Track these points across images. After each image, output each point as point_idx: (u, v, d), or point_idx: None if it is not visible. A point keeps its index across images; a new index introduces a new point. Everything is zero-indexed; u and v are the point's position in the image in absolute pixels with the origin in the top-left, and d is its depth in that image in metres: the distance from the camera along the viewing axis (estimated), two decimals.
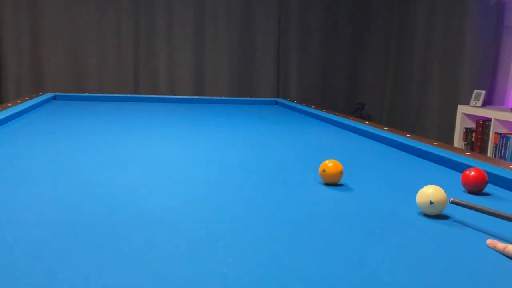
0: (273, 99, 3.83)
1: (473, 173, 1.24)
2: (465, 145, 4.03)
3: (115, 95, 3.68)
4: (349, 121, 2.45)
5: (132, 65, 4.94)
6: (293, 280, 0.73)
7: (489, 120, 3.74)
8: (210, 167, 1.50)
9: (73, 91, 4.74)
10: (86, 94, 3.75)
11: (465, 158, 1.55)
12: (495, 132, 3.68)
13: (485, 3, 3.91)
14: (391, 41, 5.39)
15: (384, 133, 2.06)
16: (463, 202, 1.03)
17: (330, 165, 1.29)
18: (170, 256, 0.80)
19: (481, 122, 3.86)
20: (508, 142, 3.55)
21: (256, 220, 1.00)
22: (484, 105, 3.96)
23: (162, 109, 3.11)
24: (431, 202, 1.03)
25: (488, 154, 3.69)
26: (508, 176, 1.31)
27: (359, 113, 5.32)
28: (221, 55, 5.09)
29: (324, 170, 1.29)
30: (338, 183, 1.32)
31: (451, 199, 1.04)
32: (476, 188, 1.24)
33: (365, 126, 2.27)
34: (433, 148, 1.70)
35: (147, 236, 0.89)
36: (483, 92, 3.96)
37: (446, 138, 4.29)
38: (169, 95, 4.75)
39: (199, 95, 4.78)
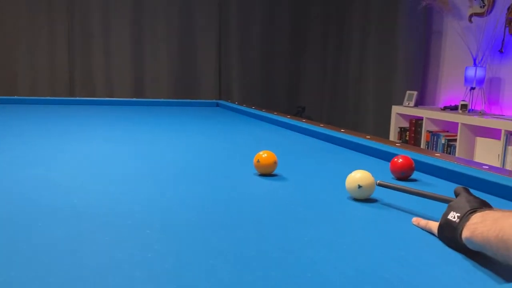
0: (214, 100, 3.81)
1: (400, 160, 1.29)
2: (401, 142, 4.19)
3: (48, 98, 3.53)
4: (288, 119, 2.48)
5: (66, 67, 4.76)
6: (221, 262, 0.72)
7: (421, 119, 3.92)
8: (144, 163, 1.46)
9: (4, 94, 4.50)
10: (17, 97, 3.57)
11: (395, 148, 1.60)
12: (427, 131, 3.86)
13: (414, 8, 4.11)
14: (329, 45, 5.53)
15: (320, 129, 2.10)
16: (388, 184, 1.06)
17: (264, 155, 1.30)
18: (92, 245, 0.77)
19: (414, 121, 4.03)
20: (439, 139, 3.73)
21: (186, 210, 0.98)
22: (416, 105, 4.14)
23: (99, 112, 3.01)
24: (359, 186, 1.05)
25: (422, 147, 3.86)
26: (432, 162, 1.37)
27: (300, 115, 5.41)
28: (161, 56, 5.02)
29: (258, 161, 1.29)
30: (272, 173, 1.33)
31: (378, 181, 1.07)
32: (404, 175, 1.28)
33: (302, 123, 2.30)
34: (365, 141, 1.75)
35: (69, 228, 0.85)
36: (415, 92, 4.14)
37: (383, 137, 4.45)
38: (107, 97, 4.62)
39: (138, 98, 4.68)
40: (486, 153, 3.35)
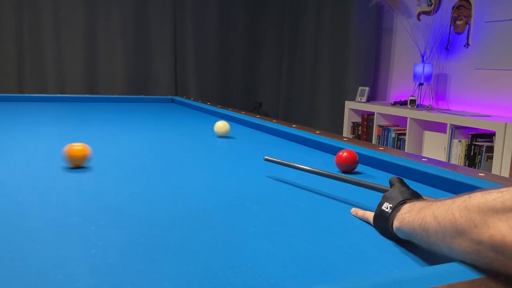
0: (169, 97, 3.79)
1: (345, 154, 1.34)
2: (353, 138, 4.31)
3: None
4: (241, 115, 2.51)
5: (15, 63, 4.60)
6: (164, 256, 0.73)
7: (373, 114, 4.04)
8: (89, 160, 1.45)
9: None
10: None
11: (342, 142, 1.66)
12: (378, 125, 3.99)
13: (365, 6, 4.22)
14: (284, 42, 5.60)
15: (273, 124, 2.14)
16: (275, 160, 1.27)
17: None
18: (35, 243, 0.77)
19: (366, 116, 4.15)
20: (389, 133, 3.86)
21: (131, 206, 0.99)
22: (368, 100, 4.26)
23: (49, 108, 2.94)
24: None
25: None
26: (376, 156, 1.43)
27: (257, 111, 5.46)
28: (115, 52, 4.93)
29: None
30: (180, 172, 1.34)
31: (264, 157, 1.30)
32: (348, 168, 1.34)
33: (256, 119, 2.34)
34: (315, 136, 1.80)
35: (12, 226, 0.84)
36: (367, 88, 4.27)
37: (337, 132, 4.56)
38: (58, 94, 4.50)
39: (91, 94, 4.59)
40: (434, 146, 3.50)
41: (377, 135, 3.96)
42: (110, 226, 0.86)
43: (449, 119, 3.24)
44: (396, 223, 0.77)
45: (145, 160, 1.49)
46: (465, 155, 3.15)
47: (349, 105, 4.33)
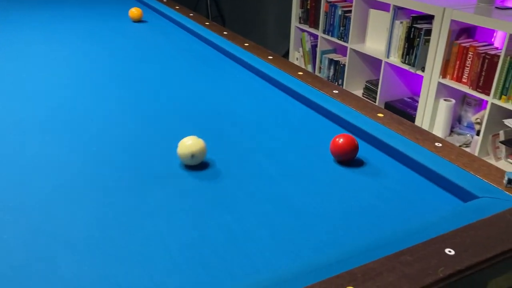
0: None
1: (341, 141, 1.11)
2: (301, 12, 4.24)
3: None
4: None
5: None
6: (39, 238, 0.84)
7: None
8: None
9: None
10: None
11: (267, 63, 1.69)
12: (326, 1, 3.91)
13: None
14: None
15: (189, 21, 2.11)
16: None
17: None
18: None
19: None
20: (336, 9, 3.81)
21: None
22: None
23: None
24: (192, 156, 1.05)
25: (320, 22, 3.96)
26: (326, 106, 1.50)
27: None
28: None
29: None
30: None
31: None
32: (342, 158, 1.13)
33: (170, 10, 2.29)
34: (242, 50, 1.82)
35: None
36: None
37: (287, 7, 4.46)
38: None
39: None
40: (378, 25, 3.53)
41: (325, 11, 3.91)
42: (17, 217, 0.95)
43: (392, 0, 3.22)
44: None
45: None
46: (406, 37, 3.21)
47: None
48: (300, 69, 1.62)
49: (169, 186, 1.01)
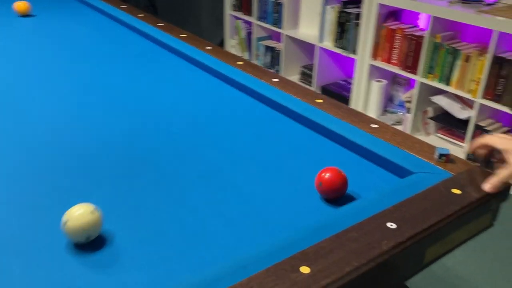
0: None
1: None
2: (235, 0, 4.24)
3: None
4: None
5: None
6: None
7: None
8: None
9: None
10: None
11: (205, 54, 1.71)
12: None
13: None
14: None
15: (120, 12, 2.08)
16: None
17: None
18: None
19: None
20: None
21: None
22: None
23: None
24: (88, 237, 0.83)
25: (254, 9, 3.99)
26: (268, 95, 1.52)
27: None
28: None
29: None
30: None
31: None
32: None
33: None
34: (180, 42, 1.82)
35: None
36: None
37: None
38: None
39: None
40: (310, 11, 3.61)
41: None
42: None
43: None
44: None
45: None
46: (337, 21, 3.32)
47: None
48: (240, 59, 1.65)
49: (124, 185, 1.01)
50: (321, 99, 1.35)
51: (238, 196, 0.98)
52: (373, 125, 1.22)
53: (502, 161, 0.97)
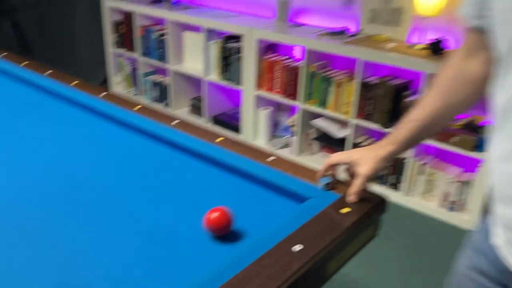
0: None
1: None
2: (116, 37, 4.24)
3: None
4: None
5: None
6: None
7: (133, 13, 3.99)
8: None
9: None
10: None
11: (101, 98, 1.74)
12: (140, 25, 3.99)
13: None
14: None
15: None
16: None
17: None
18: None
19: (127, 15, 4.08)
20: (151, 33, 3.93)
21: None
22: None
23: None
24: None
25: (137, 46, 4.03)
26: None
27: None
28: None
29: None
30: None
31: None
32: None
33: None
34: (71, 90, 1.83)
35: None
36: None
37: (98, 33, 4.39)
38: None
39: None
40: (193, 46, 3.75)
41: (140, 36, 3.99)
42: None
43: (203, 22, 3.47)
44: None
45: None
46: (220, 55, 3.50)
47: (109, 3, 4.15)
48: (136, 104, 1.71)
49: (39, 240, 1.02)
50: (221, 137, 1.47)
51: (153, 239, 1.05)
52: (270, 158, 1.36)
53: (352, 174, 1.14)
